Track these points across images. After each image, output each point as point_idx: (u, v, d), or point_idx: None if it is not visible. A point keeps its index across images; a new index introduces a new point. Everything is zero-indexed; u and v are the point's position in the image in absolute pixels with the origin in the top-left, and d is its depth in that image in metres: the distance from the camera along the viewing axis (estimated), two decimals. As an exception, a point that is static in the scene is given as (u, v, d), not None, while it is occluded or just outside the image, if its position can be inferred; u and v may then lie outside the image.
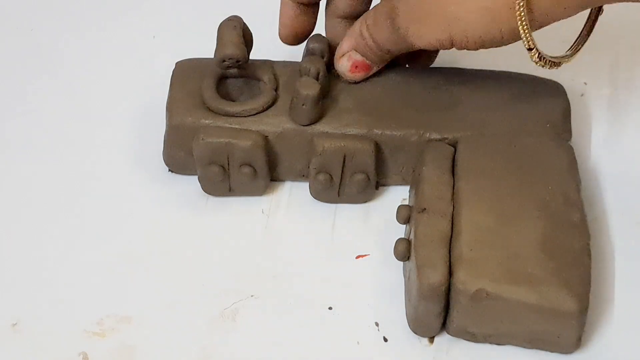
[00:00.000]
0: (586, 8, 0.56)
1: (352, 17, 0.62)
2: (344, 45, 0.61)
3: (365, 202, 0.64)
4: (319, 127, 0.61)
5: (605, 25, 0.76)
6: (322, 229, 0.62)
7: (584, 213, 0.57)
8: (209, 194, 0.63)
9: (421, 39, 0.57)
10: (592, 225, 0.58)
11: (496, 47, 0.56)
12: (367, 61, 0.61)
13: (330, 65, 0.63)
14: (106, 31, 0.75)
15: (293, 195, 0.64)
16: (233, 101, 0.62)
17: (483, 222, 0.56)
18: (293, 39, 0.64)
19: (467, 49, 0.56)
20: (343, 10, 0.62)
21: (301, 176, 0.64)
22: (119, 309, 0.58)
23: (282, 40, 0.64)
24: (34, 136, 0.67)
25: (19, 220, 0.62)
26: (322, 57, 0.62)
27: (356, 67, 0.61)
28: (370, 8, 0.62)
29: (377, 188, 0.64)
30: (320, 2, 0.63)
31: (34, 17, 0.76)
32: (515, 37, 0.55)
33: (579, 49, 0.59)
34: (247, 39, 0.61)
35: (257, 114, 0.62)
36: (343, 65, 0.62)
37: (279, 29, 0.64)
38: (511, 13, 0.53)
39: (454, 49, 0.57)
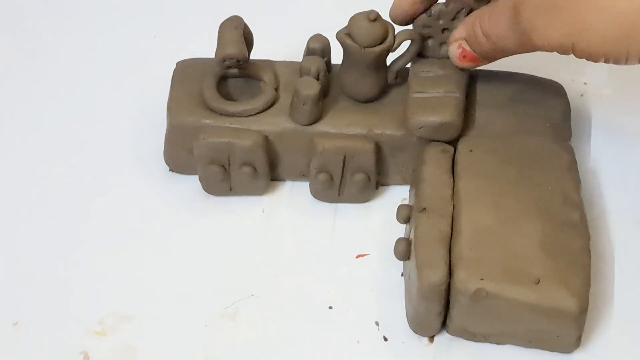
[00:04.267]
0: None
1: None
2: (457, 33, 0.60)
3: (366, 201, 0.64)
4: (319, 127, 0.61)
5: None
6: (322, 228, 0.62)
7: (584, 213, 0.57)
8: (210, 193, 0.64)
9: (543, 37, 0.54)
10: (592, 225, 0.58)
11: (615, 64, 0.53)
12: (476, 54, 0.60)
13: (330, 65, 0.64)
14: (106, 31, 0.75)
15: (293, 195, 0.64)
16: (234, 101, 0.62)
17: (483, 221, 0.56)
18: (402, 22, 0.62)
19: (586, 59, 0.53)
20: None
21: (301, 176, 0.64)
22: (119, 308, 0.58)
23: (391, 19, 0.62)
24: (34, 136, 0.67)
25: (20, 220, 0.62)
26: (323, 57, 0.62)
27: (464, 57, 0.60)
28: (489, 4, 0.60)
29: (377, 188, 0.64)
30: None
31: (35, 16, 0.76)
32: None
33: None
34: (247, 39, 0.62)
35: (257, 113, 0.62)
36: (453, 51, 0.60)
37: (393, 9, 0.62)
38: None
39: None
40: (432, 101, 0.60)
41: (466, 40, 0.59)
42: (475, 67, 0.61)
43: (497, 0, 0.58)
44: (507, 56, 0.59)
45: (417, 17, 0.61)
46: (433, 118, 0.60)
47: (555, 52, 0.54)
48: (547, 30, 0.53)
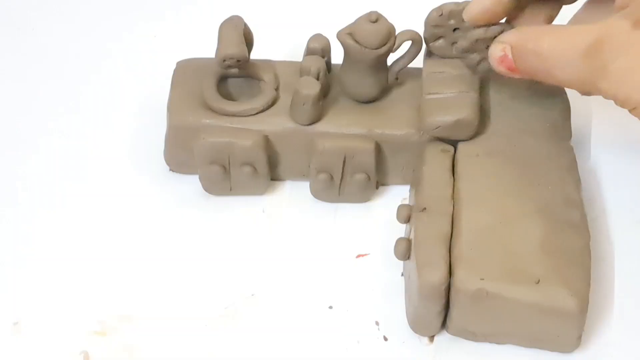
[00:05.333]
0: None
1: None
2: (507, 36, 0.55)
3: (366, 201, 0.64)
4: (320, 126, 0.61)
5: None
6: (323, 228, 0.62)
7: (584, 213, 0.57)
8: (210, 193, 0.64)
9: (614, 85, 0.51)
10: (592, 225, 0.58)
11: None
12: (515, 66, 0.55)
13: (330, 65, 0.64)
14: (107, 31, 0.75)
15: (293, 195, 0.64)
16: (234, 101, 0.62)
17: (483, 221, 0.56)
18: (480, 22, 0.58)
19: None
20: None
21: (302, 175, 0.64)
22: (119, 308, 0.58)
23: (466, 18, 0.58)
24: (34, 136, 0.67)
25: (20, 220, 0.62)
26: (323, 57, 0.62)
27: (502, 62, 0.56)
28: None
29: (377, 187, 0.64)
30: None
31: (35, 16, 0.76)
32: None
33: None
34: (247, 39, 0.62)
35: (257, 113, 0.62)
36: (494, 51, 0.56)
37: (471, 8, 0.57)
38: None
39: None
40: (446, 101, 0.60)
41: (512, 48, 0.55)
42: (508, 75, 0.57)
43: (565, 26, 0.54)
44: (547, 83, 0.55)
45: (497, 19, 0.58)
46: (448, 117, 0.59)
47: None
48: (624, 81, 0.51)
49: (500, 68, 0.56)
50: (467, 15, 0.58)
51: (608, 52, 0.51)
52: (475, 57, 0.60)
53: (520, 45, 0.54)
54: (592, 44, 0.51)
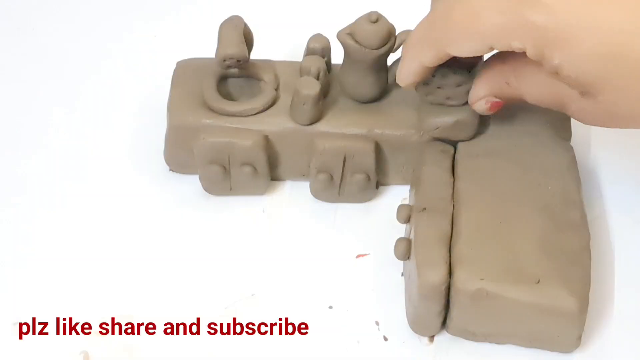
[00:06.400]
0: None
1: None
2: (481, 92, 0.58)
3: (366, 201, 0.64)
4: (320, 126, 0.61)
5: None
6: (323, 228, 0.62)
7: (584, 213, 0.57)
8: (210, 193, 0.64)
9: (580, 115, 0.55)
10: (592, 225, 0.58)
11: None
12: (503, 100, 0.58)
13: (330, 65, 0.64)
14: (107, 31, 0.75)
15: (293, 195, 0.64)
16: (234, 101, 0.63)
17: (483, 221, 0.56)
18: (411, 87, 0.59)
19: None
20: None
21: (302, 175, 0.64)
22: (119, 308, 0.58)
23: (399, 83, 0.59)
24: (34, 135, 0.68)
25: (20, 220, 0.63)
26: (323, 57, 0.62)
27: (492, 107, 0.58)
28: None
29: (377, 188, 0.64)
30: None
31: (35, 16, 0.76)
32: None
33: None
34: (247, 39, 0.62)
35: (257, 113, 0.62)
36: (480, 106, 0.58)
37: (402, 74, 0.58)
38: None
39: None
40: None
41: (495, 96, 0.58)
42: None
43: (521, 57, 0.54)
44: None
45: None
46: (448, 117, 0.60)
47: None
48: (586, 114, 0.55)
49: (494, 111, 0.59)
50: (399, 83, 0.59)
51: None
52: (439, 97, 0.60)
53: (496, 90, 0.58)
54: None
